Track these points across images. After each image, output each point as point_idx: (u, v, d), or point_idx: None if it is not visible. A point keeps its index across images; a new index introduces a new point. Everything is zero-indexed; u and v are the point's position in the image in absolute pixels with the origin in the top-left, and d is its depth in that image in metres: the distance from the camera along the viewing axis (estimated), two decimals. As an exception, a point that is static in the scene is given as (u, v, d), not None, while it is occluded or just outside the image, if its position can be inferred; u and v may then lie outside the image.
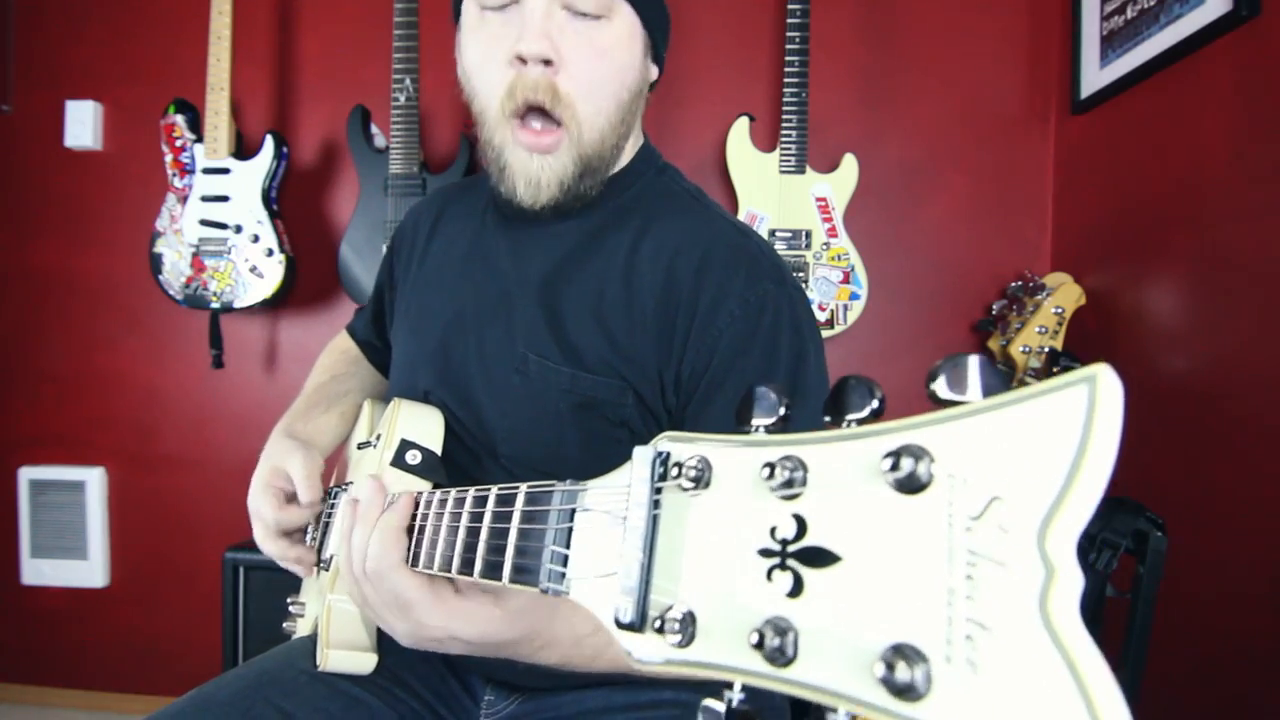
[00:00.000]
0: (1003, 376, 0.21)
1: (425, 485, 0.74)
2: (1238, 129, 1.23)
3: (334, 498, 0.85)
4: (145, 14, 1.92)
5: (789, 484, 0.24)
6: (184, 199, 1.74)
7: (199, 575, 1.91)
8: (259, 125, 1.89)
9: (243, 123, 1.89)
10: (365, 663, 0.76)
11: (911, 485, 0.20)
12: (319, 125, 1.91)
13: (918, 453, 0.20)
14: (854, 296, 1.67)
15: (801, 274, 1.66)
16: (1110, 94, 1.56)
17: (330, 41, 1.90)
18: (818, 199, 1.66)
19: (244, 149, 1.79)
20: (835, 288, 1.67)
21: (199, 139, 1.75)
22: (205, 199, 1.74)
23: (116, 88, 1.93)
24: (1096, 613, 1.19)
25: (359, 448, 0.91)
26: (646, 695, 0.77)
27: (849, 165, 1.67)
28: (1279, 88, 1.15)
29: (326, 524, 0.84)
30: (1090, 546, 1.18)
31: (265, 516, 0.80)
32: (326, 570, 0.78)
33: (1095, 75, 1.60)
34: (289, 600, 0.90)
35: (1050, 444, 0.18)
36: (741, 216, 1.67)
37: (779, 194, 1.67)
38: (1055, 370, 1.45)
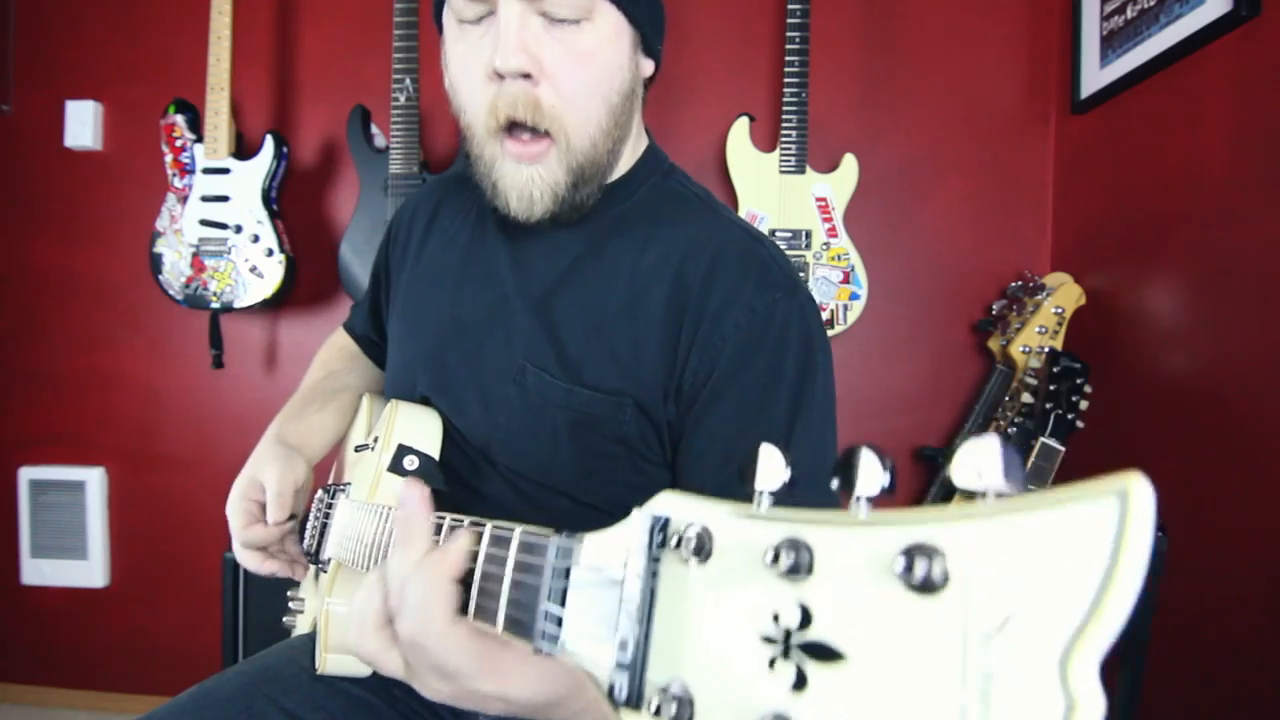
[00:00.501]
0: (1024, 466, 0.20)
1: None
2: (1238, 129, 1.23)
3: (332, 497, 0.85)
4: (145, 14, 1.92)
5: (794, 570, 0.22)
6: (184, 199, 1.74)
7: (199, 575, 1.91)
8: (259, 125, 1.89)
9: (243, 123, 1.89)
10: (363, 666, 0.76)
11: (926, 587, 0.19)
12: (319, 125, 1.91)
13: (931, 552, 0.19)
14: (854, 296, 1.67)
15: (801, 274, 1.66)
16: (1110, 94, 1.56)
17: (330, 41, 1.90)
18: (818, 199, 1.66)
19: (244, 149, 1.79)
20: (835, 288, 1.67)
21: (199, 139, 1.75)
22: (205, 199, 1.74)
23: (116, 88, 1.93)
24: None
25: (356, 450, 0.91)
26: None
27: (849, 165, 1.67)
28: (1279, 88, 1.15)
29: (324, 525, 0.84)
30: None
31: (234, 532, 0.80)
32: (325, 572, 0.78)
33: (1095, 75, 1.60)
34: (289, 595, 0.90)
35: (1076, 563, 0.17)
36: (741, 216, 1.67)
37: (779, 194, 1.67)
38: (1055, 370, 1.44)
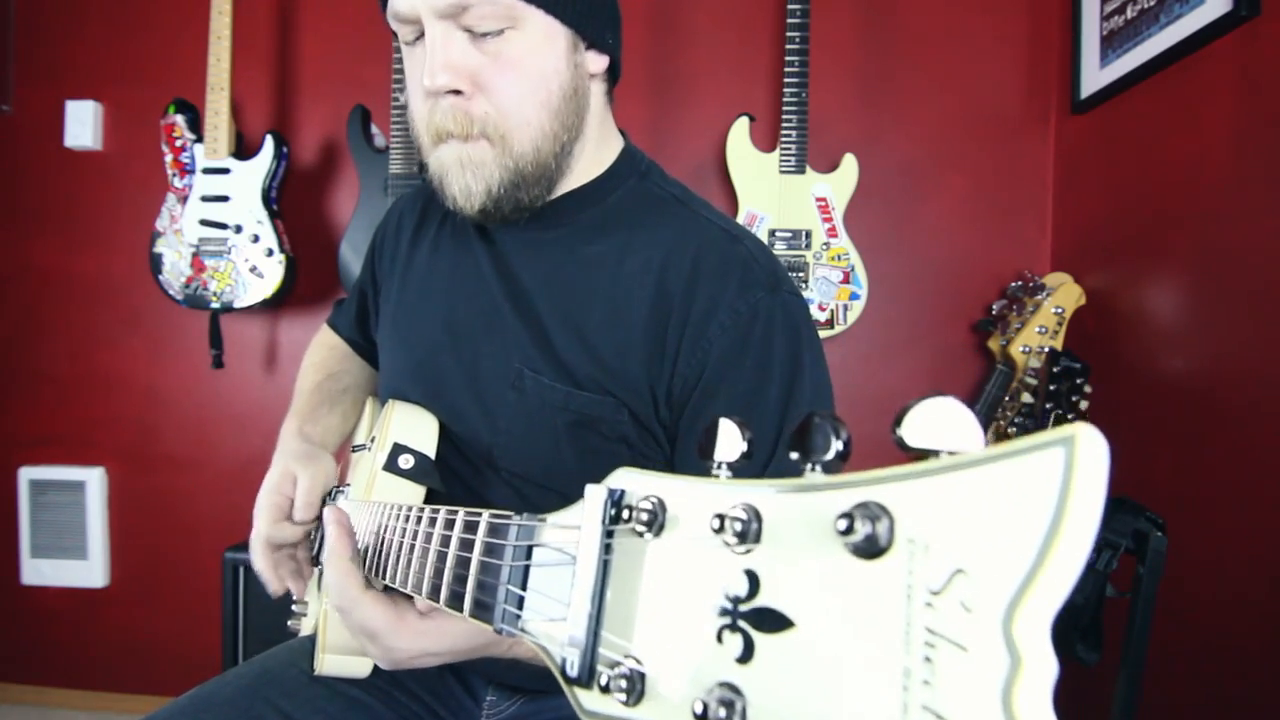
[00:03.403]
0: (978, 424, 0.19)
1: (419, 490, 0.74)
2: (1238, 129, 1.23)
3: (333, 499, 0.85)
4: (145, 14, 1.92)
5: (742, 536, 0.22)
6: (184, 199, 1.74)
7: (198, 575, 1.91)
8: (259, 125, 1.89)
9: (243, 123, 1.89)
10: (361, 666, 0.76)
11: (869, 549, 0.19)
12: (319, 125, 1.91)
13: (875, 513, 0.19)
14: (854, 296, 1.67)
15: (801, 274, 1.66)
16: (1110, 94, 1.56)
17: (330, 41, 1.90)
18: (818, 199, 1.66)
19: (244, 149, 1.79)
20: (835, 288, 1.67)
21: (199, 139, 1.75)
22: (205, 199, 1.74)
23: (116, 88, 1.93)
24: (1096, 613, 1.19)
25: (354, 450, 0.91)
26: None
27: (849, 165, 1.67)
28: (1279, 88, 1.15)
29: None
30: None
31: (259, 527, 0.79)
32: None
33: (1095, 75, 1.60)
34: (294, 599, 0.90)
35: (1021, 514, 0.16)
36: (741, 216, 1.67)
37: (779, 194, 1.67)
38: (1055, 370, 1.44)
